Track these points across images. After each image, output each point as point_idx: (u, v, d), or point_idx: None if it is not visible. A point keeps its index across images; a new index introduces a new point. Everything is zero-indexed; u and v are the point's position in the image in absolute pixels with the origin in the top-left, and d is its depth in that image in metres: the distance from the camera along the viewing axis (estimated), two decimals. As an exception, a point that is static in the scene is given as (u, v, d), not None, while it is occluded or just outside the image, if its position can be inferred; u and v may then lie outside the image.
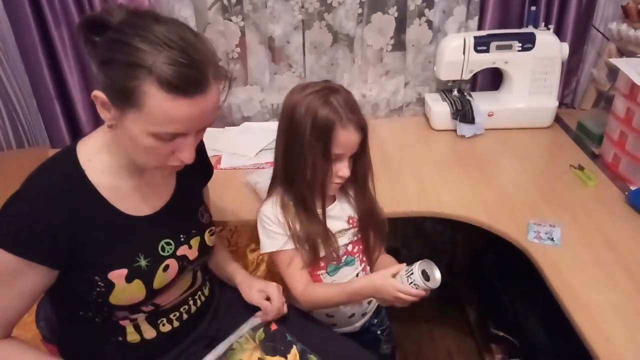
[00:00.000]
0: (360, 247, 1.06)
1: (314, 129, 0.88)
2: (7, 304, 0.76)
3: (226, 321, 0.99)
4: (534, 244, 1.03)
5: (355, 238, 1.04)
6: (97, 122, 1.59)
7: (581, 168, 1.27)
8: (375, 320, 1.14)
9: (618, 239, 1.03)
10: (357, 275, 1.05)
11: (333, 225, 1.00)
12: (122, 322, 0.86)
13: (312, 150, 0.89)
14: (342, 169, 0.93)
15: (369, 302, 1.09)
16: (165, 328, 0.90)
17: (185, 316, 0.93)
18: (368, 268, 1.09)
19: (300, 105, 0.89)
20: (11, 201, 0.74)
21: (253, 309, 0.99)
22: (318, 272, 1.02)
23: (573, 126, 1.51)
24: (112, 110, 0.71)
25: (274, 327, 0.97)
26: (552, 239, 1.03)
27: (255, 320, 0.98)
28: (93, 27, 0.71)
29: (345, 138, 0.89)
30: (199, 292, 0.97)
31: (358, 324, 1.10)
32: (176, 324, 0.92)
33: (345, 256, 1.03)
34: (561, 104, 1.60)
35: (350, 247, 1.04)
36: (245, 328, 0.96)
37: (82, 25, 0.72)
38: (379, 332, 1.15)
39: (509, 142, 1.47)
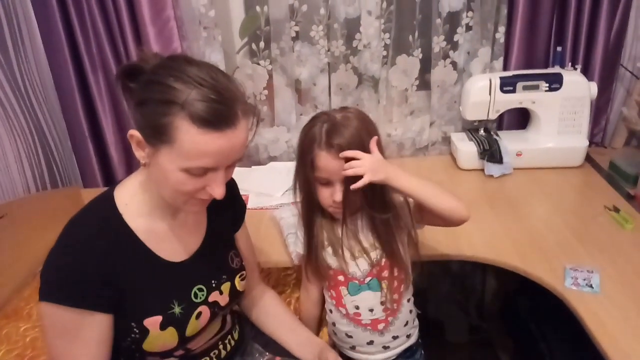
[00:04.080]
0: (395, 273, 1.01)
1: (299, 152, 0.94)
2: (91, 356, 0.76)
3: None
4: (572, 291, 0.99)
5: (385, 261, 1.00)
6: (129, 163, 1.63)
7: (617, 210, 1.24)
8: None
9: (661, 285, 0.99)
10: (381, 303, 1.01)
11: (357, 239, 1.00)
12: None
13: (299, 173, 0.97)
14: (334, 194, 0.92)
15: (395, 338, 1.05)
16: None
17: None
18: (404, 303, 1.04)
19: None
20: (55, 253, 0.75)
21: (286, 352, 0.98)
22: (339, 287, 1.02)
23: (605, 165, 1.48)
24: (146, 148, 0.73)
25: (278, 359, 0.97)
26: (590, 286, 0.99)
27: None
28: (129, 75, 0.74)
29: (325, 162, 0.90)
30: (229, 336, 0.96)
31: (379, 356, 1.06)
32: None
33: (369, 278, 1.00)
34: (591, 142, 1.57)
35: (376, 270, 1.00)
36: None
37: (120, 73, 0.75)
38: None
39: (539, 182, 1.44)
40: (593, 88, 1.44)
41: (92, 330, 0.75)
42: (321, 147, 0.90)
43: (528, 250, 1.13)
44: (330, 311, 1.07)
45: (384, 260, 1.00)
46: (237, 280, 0.93)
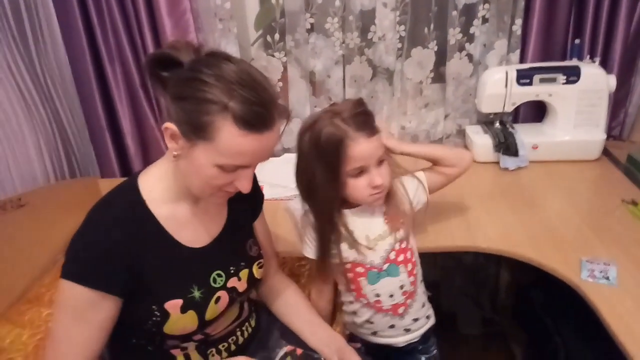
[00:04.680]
0: (408, 257, 1.03)
1: (319, 150, 0.91)
2: (88, 338, 0.78)
3: (275, 352, 0.98)
4: (588, 283, 0.98)
5: (399, 246, 1.02)
6: (145, 153, 1.65)
7: (634, 203, 1.23)
8: (421, 347, 1.11)
9: (679, 279, 0.98)
10: (400, 287, 1.02)
11: (368, 229, 1.00)
12: (173, 351, 0.87)
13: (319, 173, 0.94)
14: (373, 179, 0.93)
15: (415, 320, 1.06)
16: (215, 359, 0.91)
17: (233, 347, 0.94)
18: (419, 285, 1.06)
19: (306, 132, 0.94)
20: (79, 235, 0.77)
21: (303, 343, 0.99)
22: (358, 279, 1.02)
23: (622, 159, 1.47)
24: (180, 141, 0.75)
25: (299, 351, 0.97)
26: (607, 278, 0.99)
27: (282, 351, 0.98)
28: (162, 63, 0.75)
29: (362, 148, 0.90)
30: (246, 323, 0.98)
31: (401, 339, 1.07)
32: (225, 354, 0.92)
33: (386, 264, 1.01)
34: (609, 136, 1.56)
35: (392, 255, 1.01)
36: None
37: (151, 60, 0.76)
38: (423, 358, 1.12)
39: (555, 175, 1.43)
40: (612, 81, 1.43)
41: (100, 313, 0.77)
42: (351, 137, 0.89)
43: (543, 242, 1.13)
44: (350, 302, 1.07)
45: (398, 244, 1.01)
46: (255, 267, 0.94)
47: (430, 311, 1.11)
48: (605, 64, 1.49)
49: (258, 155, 0.76)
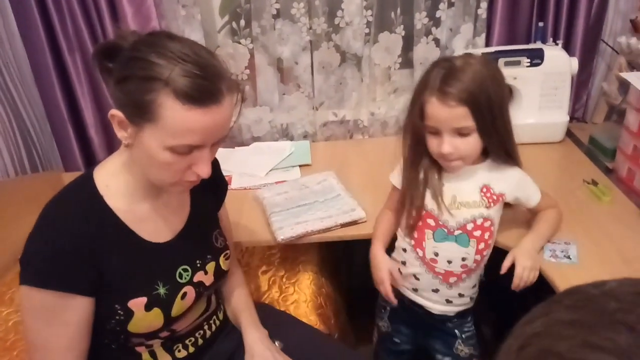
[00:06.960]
0: (485, 237, 0.99)
1: (412, 96, 0.92)
2: (71, 339, 0.75)
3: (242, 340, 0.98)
4: (551, 263, 1.01)
5: (482, 221, 0.98)
6: (110, 145, 1.61)
7: (595, 183, 1.26)
8: (456, 321, 1.10)
9: (636, 255, 1.01)
10: (462, 259, 0.98)
11: (458, 191, 0.98)
12: (138, 349, 0.85)
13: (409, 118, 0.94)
14: (441, 145, 0.89)
15: (460, 295, 1.05)
16: (181, 354, 0.90)
17: (200, 341, 0.93)
18: (481, 267, 1.04)
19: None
20: (34, 236, 0.74)
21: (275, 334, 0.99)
22: (425, 230, 0.99)
23: (585, 140, 1.50)
24: (129, 128, 0.72)
25: None
26: (568, 257, 1.01)
27: None
28: (107, 54, 0.73)
29: (434, 110, 0.87)
30: (214, 317, 0.96)
31: (437, 307, 1.06)
32: (192, 349, 0.91)
33: (459, 231, 0.98)
34: (572, 118, 1.59)
35: (470, 226, 0.97)
36: None
37: (96, 53, 0.73)
38: (455, 331, 1.11)
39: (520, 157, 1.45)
40: (574, 63, 1.45)
41: (73, 313, 0.74)
42: (432, 93, 0.86)
43: (508, 225, 1.14)
44: (404, 250, 1.04)
45: (481, 220, 0.98)
46: (221, 259, 0.93)
47: (476, 294, 1.09)
48: (567, 47, 1.51)
49: (208, 132, 0.71)
